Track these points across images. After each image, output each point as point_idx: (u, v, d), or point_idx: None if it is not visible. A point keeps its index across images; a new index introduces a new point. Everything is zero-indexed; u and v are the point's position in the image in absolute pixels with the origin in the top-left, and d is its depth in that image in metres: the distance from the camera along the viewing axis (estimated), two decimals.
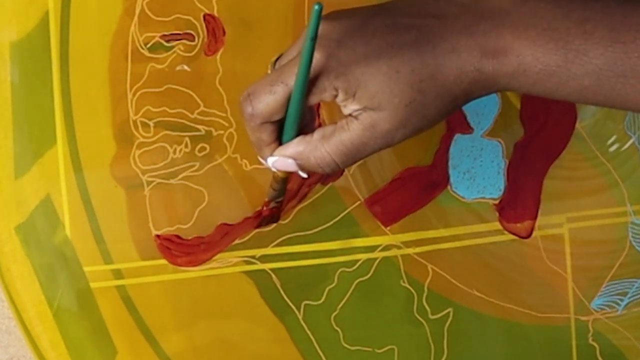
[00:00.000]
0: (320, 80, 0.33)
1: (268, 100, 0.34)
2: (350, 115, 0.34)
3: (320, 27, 0.33)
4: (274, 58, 0.37)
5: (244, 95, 0.35)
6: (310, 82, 0.33)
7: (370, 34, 0.33)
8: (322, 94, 0.34)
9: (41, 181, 0.44)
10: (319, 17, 0.31)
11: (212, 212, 0.46)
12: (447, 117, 0.35)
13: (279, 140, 0.36)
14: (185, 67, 0.45)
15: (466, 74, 0.33)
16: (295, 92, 0.34)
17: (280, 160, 0.36)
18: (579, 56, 0.32)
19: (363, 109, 0.33)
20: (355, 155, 0.35)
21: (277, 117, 0.35)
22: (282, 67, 0.35)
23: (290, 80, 0.34)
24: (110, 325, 0.46)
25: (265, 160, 0.37)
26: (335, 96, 0.34)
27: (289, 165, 0.36)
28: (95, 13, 0.44)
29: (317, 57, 0.33)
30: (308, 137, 0.35)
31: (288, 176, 0.41)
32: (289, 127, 0.36)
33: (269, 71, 0.36)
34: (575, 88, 0.33)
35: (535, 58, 0.32)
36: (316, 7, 0.31)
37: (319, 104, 0.47)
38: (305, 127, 0.37)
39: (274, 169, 0.37)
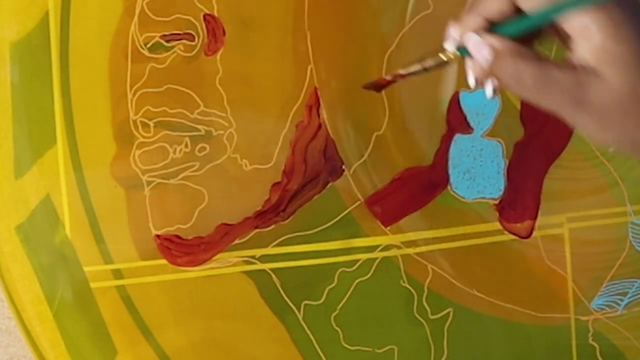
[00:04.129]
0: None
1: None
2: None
3: None
4: None
5: None
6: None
7: None
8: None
9: (41, 181, 0.44)
10: None
11: (212, 212, 0.46)
12: None
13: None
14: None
15: None
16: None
17: (479, 45, 0.32)
18: None
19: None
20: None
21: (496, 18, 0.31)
22: None
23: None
24: (110, 325, 0.46)
25: (454, 39, 0.33)
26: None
27: (481, 54, 0.32)
28: (95, 13, 0.44)
29: None
30: (544, 61, 0.30)
31: (447, 63, 0.35)
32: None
33: None
34: None
35: None
36: None
37: (318, 104, 0.47)
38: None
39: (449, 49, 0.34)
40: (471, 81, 0.34)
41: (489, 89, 0.34)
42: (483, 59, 0.32)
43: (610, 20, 0.29)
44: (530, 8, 0.31)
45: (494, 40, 0.32)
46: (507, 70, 0.31)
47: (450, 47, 0.34)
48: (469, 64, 0.34)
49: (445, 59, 0.35)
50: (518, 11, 0.31)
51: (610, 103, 0.29)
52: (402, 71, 0.38)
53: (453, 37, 0.33)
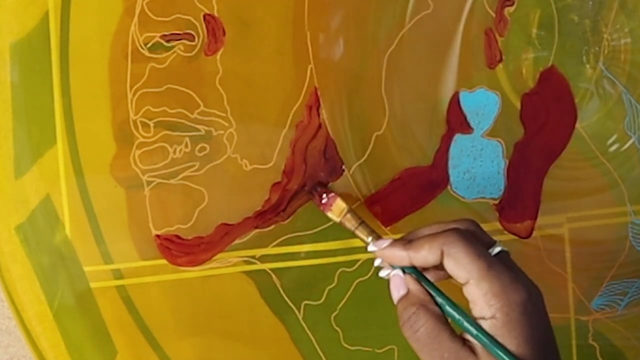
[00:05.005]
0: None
1: (427, 258, 0.37)
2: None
3: None
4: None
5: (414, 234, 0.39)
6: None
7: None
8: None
9: (41, 181, 0.44)
10: None
11: (212, 212, 0.46)
12: None
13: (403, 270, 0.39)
14: None
15: None
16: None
17: (398, 281, 0.38)
18: None
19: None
20: None
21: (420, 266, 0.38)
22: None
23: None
24: (110, 325, 0.46)
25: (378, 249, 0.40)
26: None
27: (396, 288, 0.38)
28: (95, 13, 0.44)
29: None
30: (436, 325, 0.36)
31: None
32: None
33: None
34: None
35: None
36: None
37: (318, 104, 0.47)
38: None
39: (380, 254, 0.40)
40: (382, 273, 0.40)
41: (384, 274, 0.40)
42: (396, 293, 0.38)
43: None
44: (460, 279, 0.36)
45: (413, 284, 0.38)
46: (409, 314, 0.37)
47: (372, 250, 0.40)
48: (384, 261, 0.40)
49: (368, 243, 0.41)
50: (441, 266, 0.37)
51: None
52: (339, 219, 0.44)
53: (379, 251, 0.39)
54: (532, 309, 0.35)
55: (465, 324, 0.35)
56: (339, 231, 0.48)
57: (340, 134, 0.48)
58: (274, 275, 0.47)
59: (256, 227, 0.47)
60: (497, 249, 0.36)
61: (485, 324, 0.34)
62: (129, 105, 0.45)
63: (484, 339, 0.34)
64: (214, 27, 0.45)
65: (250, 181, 0.47)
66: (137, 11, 0.44)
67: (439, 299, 0.37)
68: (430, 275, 0.39)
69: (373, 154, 0.48)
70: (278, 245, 0.47)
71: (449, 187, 0.50)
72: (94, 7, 0.44)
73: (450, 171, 0.50)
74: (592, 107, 0.51)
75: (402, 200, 0.49)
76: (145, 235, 0.45)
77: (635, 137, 0.52)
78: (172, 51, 0.45)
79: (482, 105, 0.49)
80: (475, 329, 0.34)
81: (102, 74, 0.44)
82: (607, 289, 0.53)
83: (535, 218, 0.51)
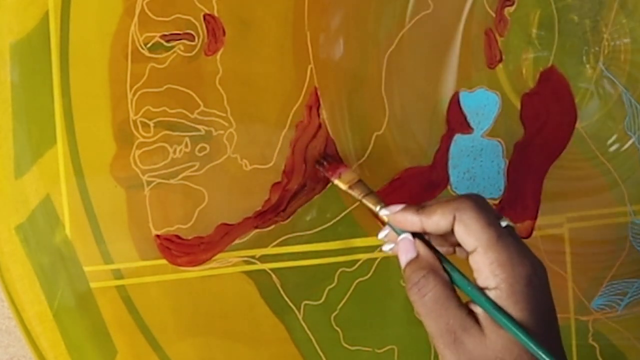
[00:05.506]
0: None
1: (439, 224, 0.36)
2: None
3: None
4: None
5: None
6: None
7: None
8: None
9: (41, 181, 0.44)
10: None
11: (212, 212, 0.46)
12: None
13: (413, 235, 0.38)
14: None
15: None
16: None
17: (408, 245, 0.38)
18: None
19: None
20: None
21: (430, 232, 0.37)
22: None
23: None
24: (110, 325, 0.46)
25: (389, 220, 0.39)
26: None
27: (405, 252, 0.38)
28: (95, 13, 0.44)
29: None
30: (448, 296, 0.36)
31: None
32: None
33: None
34: None
35: None
36: None
37: (318, 104, 0.47)
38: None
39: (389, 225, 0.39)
40: (385, 247, 0.40)
41: (390, 248, 0.40)
42: (404, 256, 0.37)
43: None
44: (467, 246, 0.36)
45: (422, 248, 0.37)
46: (418, 277, 0.36)
47: (385, 214, 0.39)
48: (389, 234, 0.40)
49: (376, 212, 0.41)
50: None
51: (480, 357, 0.34)
52: (344, 187, 0.44)
53: (391, 215, 0.39)
54: (536, 283, 0.34)
55: (475, 291, 0.35)
56: (339, 231, 0.48)
57: (340, 134, 0.48)
58: (273, 275, 0.47)
59: (256, 227, 0.47)
60: (504, 223, 0.36)
61: (489, 294, 0.34)
62: (129, 105, 0.45)
63: (491, 307, 0.34)
64: (214, 27, 0.45)
65: (250, 181, 0.47)
66: (137, 11, 0.44)
67: (448, 266, 0.37)
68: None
69: (373, 154, 0.48)
70: (278, 245, 0.47)
71: (449, 187, 0.50)
72: (94, 7, 0.44)
73: (450, 171, 0.50)
74: (592, 107, 0.51)
75: (402, 200, 0.49)
76: (145, 235, 0.45)
77: (635, 137, 0.52)
78: (172, 51, 0.45)
79: (482, 105, 0.49)
80: (485, 297, 0.34)
81: (102, 74, 0.44)
82: (607, 289, 0.53)
83: (535, 218, 0.51)
